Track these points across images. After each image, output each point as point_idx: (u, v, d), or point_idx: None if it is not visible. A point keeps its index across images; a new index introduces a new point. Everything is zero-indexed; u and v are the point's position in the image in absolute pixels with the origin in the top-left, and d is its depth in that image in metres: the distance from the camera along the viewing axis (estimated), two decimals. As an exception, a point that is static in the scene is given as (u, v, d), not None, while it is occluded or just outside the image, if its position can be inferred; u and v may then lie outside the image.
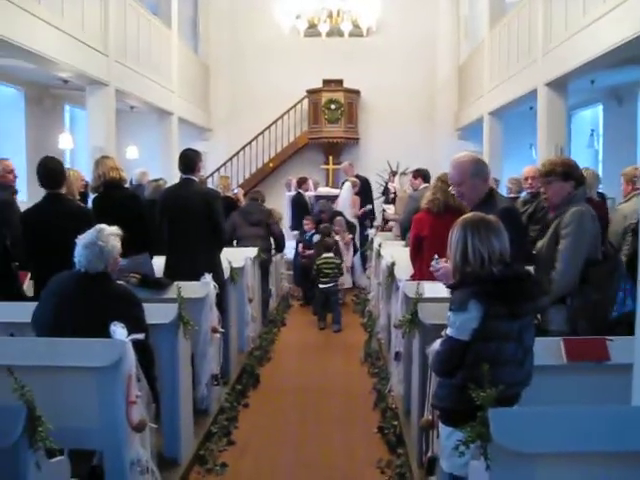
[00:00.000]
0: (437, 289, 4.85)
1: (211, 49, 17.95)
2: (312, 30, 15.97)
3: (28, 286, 5.34)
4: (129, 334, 3.40)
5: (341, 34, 15.72)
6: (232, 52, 17.83)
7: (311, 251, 10.17)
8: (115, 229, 3.79)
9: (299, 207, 11.98)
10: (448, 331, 2.95)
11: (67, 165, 15.09)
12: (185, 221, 5.80)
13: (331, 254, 9.48)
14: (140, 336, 3.46)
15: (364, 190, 12.97)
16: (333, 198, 12.86)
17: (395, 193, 13.30)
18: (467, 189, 4.07)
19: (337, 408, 5.99)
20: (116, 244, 3.75)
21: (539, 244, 4.04)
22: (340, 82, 16.98)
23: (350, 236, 10.95)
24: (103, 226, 3.75)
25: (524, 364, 2.98)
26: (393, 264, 6.35)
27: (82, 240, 3.70)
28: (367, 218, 12.85)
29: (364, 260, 11.60)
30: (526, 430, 2.34)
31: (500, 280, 2.91)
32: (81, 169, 7.45)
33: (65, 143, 13.08)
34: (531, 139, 16.60)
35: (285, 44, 17.08)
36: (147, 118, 15.46)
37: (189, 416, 4.77)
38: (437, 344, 3.35)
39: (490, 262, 2.91)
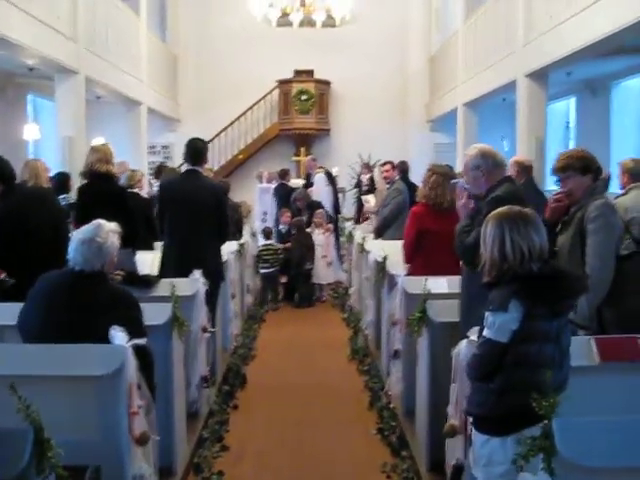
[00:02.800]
0: (440, 285, 4.70)
1: (180, 37, 17.52)
2: (284, 19, 15.66)
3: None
4: (129, 339, 3.13)
5: (313, 24, 15.44)
6: (201, 40, 17.44)
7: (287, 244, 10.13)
8: (114, 225, 3.50)
9: (283, 197, 11.74)
10: (486, 333, 2.74)
11: (30, 156, 14.68)
12: (190, 214, 5.51)
13: (271, 241, 10.28)
14: (142, 341, 3.20)
15: (330, 183, 12.75)
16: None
17: (368, 185, 13.13)
18: (469, 181, 3.92)
19: (330, 408, 5.77)
20: (115, 241, 3.45)
21: (561, 239, 3.86)
22: (311, 73, 16.79)
23: (331, 226, 10.72)
24: (102, 222, 3.45)
25: (562, 366, 2.81)
26: (385, 259, 6.15)
27: (78, 235, 3.39)
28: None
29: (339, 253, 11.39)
30: (594, 442, 2.14)
31: (539, 277, 2.72)
32: (47, 160, 7.12)
33: (30, 134, 12.58)
34: (502, 131, 16.62)
35: (256, 33, 16.76)
36: (114, 108, 15.01)
37: (183, 422, 4.52)
38: (463, 345, 3.16)
39: (530, 258, 2.72)
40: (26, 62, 9.92)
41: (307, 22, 15.72)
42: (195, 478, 4.35)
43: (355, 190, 15.21)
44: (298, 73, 16.72)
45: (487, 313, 2.73)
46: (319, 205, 10.96)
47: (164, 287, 4.58)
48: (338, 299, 10.34)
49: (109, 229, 3.46)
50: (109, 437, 3.03)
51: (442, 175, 5.26)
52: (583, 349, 3.18)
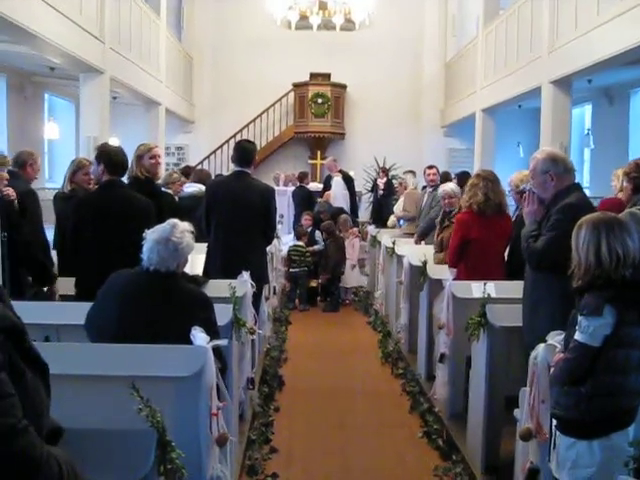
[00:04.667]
0: (488, 290, 4.69)
1: (195, 38, 17.53)
2: (303, 22, 15.67)
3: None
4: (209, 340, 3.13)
5: (332, 27, 15.45)
6: (217, 42, 17.46)
7: (317, 246, 10.12)
8: (187, 225, 3.49)
9: (302, 201, 11.75)
10: (578, 337, 2.76)
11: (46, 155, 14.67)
12: (238, 216, 5.49)
13: (301, 242, 10.24)
14: (223, 342, 3.20)
15: (348, 186, 12.78)
16: (320, 193, 12.65)
17: (384, 189, 13.16)
18: (536, 185, 3.92)
19: (371, 412, 5.78)
20: (191, 242, 3.44)
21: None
22: (328, 76, 16.77)
23: (356, 230, 10.75)
24: (177, 221, 3.44)
25: (647, 372, 2.82)
26: (425, 263, 6.15)
27: (153, 235, 3.37)
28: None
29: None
30: None
31: (633, 284, 2.75)
32: (67, 160, 7.11)
33: (50, 132, 12.58)
34: (519, 137, 16.72)
35: (272, 35, 16.80)
36: (129, 108, 15.05)
37: (237, 424, 4.51)
38: (541, 349, 3.16)
39: (624, 263, 2.74)
40: (52, 61, 9.94)
41: (325, 25, 15.74)
42: (249, 480, 4.35)
43: (370, 194, 15.26)
44: (314, 76, 16.71)
45: (580, 317, 2.75)
46: (342, 211, 10.98)
47: (218, 288, 4.57)
48: (360, 303, 10.33)
49: (184, 229, 3.45)
50: (189, 439, 3.02)
51: (490, 180, 5.29)
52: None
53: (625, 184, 4.20)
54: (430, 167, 8.51)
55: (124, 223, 4.59)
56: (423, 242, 8.01)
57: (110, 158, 4.81)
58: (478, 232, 5.25)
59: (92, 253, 4.67)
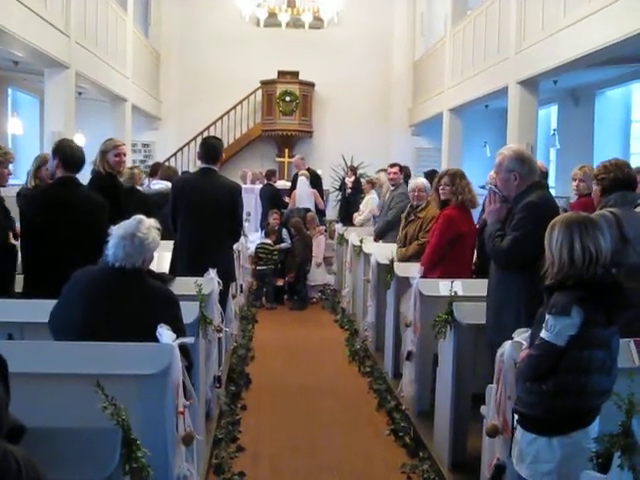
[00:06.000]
0: (455, 288, 4.72)
1: (162, 34, 17.36)
2: (272, 19, 15.63)
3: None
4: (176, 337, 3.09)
5: (300, 25, 15.44)
6: (185, 38, 17.31)
7: (284, 244, 10.15)
8: (153, 221, 3.44)
9: (270, 198, 11.71)
10: (544, 335, 2.78)
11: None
12: (205, 213, 5.44)
13: (268, 240, 10.25)
14: (190, 340, 3.17)
15: (315, 184, 12.77)
16: (288, 192, 12.63)
17: (352, 188, 13.19)
18: (499, 181, 3.95)
19: (339, 409, 5.79)
20: (157, 238, 3.40)
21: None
22: (296, 74, 16.71)
23: (322, 228, 10.74)
24: (142, 217, 3.39)
25: (611, 372, 2.87)
26: (392, 261, 6.17)
27: (119, 231, 3.32)
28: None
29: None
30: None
31: (601, 286, 2.78)
32: (30, 155, 6.98)
33: (14, 128, 12.37)
34: (485, 137, 16.86)
35: (241, 32, 16.71)
36: (95, 104, 14.85)
37: (203, 422, 4.48)
38: (508, 346, 3.19)
39: (597, 263, 2.77)
40: (15, 54, 9.75)
41: (294, 23, 15.70)
42: (216, 478, 4.32)
43: (338, 192, 15.27)
44: (282, 74, 16.64)
45: (548, 316, 2.77)
46: (308, 211, 10.96)
47: (185, 285, 4.52)
48: (327, 301, 10.33)
49: (150, 224, 3.40)
50: (155, 438, 2.98)
51: (465, 177, 5.35)
52: (622, 351, 3.22)
53: (594, 187, 4.23)
54: (392, 165, 8.48)
55: (74, 220, 4.52)
56: (381, 241, 7.97)
57: (65, 153, 4.70)
58: (466, 226, 5.29)
59: (43, 251, 4.56)
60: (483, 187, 4.97)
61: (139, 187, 7.05)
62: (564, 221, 2.88)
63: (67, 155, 4.71)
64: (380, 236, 7.95)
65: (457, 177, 5.36)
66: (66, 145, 4.84)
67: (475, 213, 5.64)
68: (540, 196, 3.81)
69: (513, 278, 3.79)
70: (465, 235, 5.22)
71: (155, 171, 8.61)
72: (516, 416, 2.98)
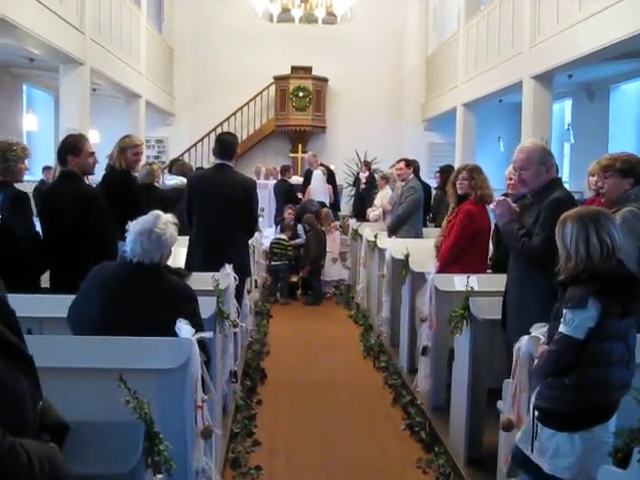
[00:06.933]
0: (471, 283, 4.71)
1: (176, 30, 17.41)
2: (285, 15, 15.63)
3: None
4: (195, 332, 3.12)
5: (314, 20, 15.43)
6: (198, 34, 17.33)
7: (299, 240, 10.12)
8: (171, 217, 3.47)
9: (284, 194, 11.73)
10: (563, 329, 2.79)
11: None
12: (220, 209, 5.45)
13: (283, 236, 10.28)
14: (209, 334, 3.19)
15: (329, 180, 12.79)
16: (302, 188, 12.65)
17: (367, 183, 13.18)
18: (530, 175, 3.92)
19: (353, 404, 5.80)
20: (174, 233, 3.42)
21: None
22: (309, 69, 16.72)
23: (337, 223, 10.77)
24: (160, 212, 3.42)
25: (629, 365, 2.86)
26: (407, 257, 6.16)
27: (137, 226, 3.34)
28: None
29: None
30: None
31: (616, 277, 2.78)
32: (45, 152, 7.03)
33: (30, 124, 12.44)
34: (499, 132, 16.79)
35: (254, 28, 16.73)
36: (109, 100, 14.90)
37: (220, 417, 4.51)
38: (525, 341, 3.19)
39: (613, 255, 2.77)
40: (32, 52, 9.82)
41: (307, 19, 15.70)
42: (233, 473, 4.34)
43: (352, 188, 15.27)
44: (295, 69, 16.66)
45: (565, 310, 2.78)
46: (323, 205, 10.98)
47: (202, 281, 4.55)
48: (342, 296, 10.35)
49: (167, 220, 3.42)
50: (174, 432, 3.00)
51: (482, 172, 5.36)
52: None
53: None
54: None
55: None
56: (394, 236, 7.95)
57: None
58: (487, 222, 5.32)
59: (47, 246, 4.77)
60: (506, 195, 4.93)
61: (155, 183, 7.08)
62: (575, 216, 2.88)
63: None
64: (393, 231, 7.93)
65: (475, 172, 5.35)
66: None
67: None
68: (565, 193, 3.83)
69: (535, 275, 3.79)
70: (484, 230, 5.23)
71: (171, 167, 8.65)
72: (536, 412, 2.98)
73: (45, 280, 4.90)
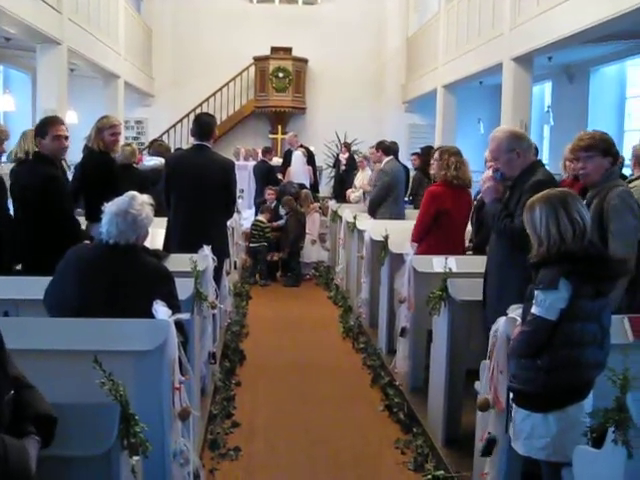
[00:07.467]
0: (449, 265, 4.73)
1: (155, 10, 17.22)
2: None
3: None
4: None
5: (294, 1, 15.32)
6: (177, 14, 17.18)
7: (280, 221, 10.16)
8: (147, 197, 3.43)
9: (264, 175, 11.69)
10: (535, 310, 2.81)
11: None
12: (198, 190, 5.41)
13: (261, 218, 10.31)
14: (186, 316, 3.17)
15: (309, 161, 12.75)
16: (281, 169, 12.61)
17: (347, 165, 13.15)
18: (502, 163, 3.94)
19: (333, 385, 5.82)
20: (150, 214, 3.39)
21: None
22: (289, 50, 16.63)
23: (317, 205, 10.76)
24: (135, 193, 3.38)
25: (603, 345, 2.89)
26: (387, 238, 6.17)
27: (112, 207, 3.31)
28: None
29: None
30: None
31: (587, 258, 2.80)
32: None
33: (7, 105, 12.27)
34: (479, 114, 16.81)
35: (234, 7, 16.63)
36: (87, 81, 14.72)
37: (198, 398, 4.50)
38: (502, 322, 3.21)
39: (584, 235, 2.79)
40: (8, 31, 9.66)
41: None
42: (211, 454, 4.35)
43: (331, 169, 15.24)
44: (275, 50, 16.55)
45: (536, 291, 2.80)
46: (303, 186, 10.96)
47: (180, 262, 4.53)
48: (321, 278, 10.36)
49: (143, 201, 3.39)
50: (152, 412, 3.00)
51: (459, 155, 5.34)
52: (617, 327, 3.25)
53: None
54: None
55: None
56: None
57: None
58: (451, 204, 5.31)
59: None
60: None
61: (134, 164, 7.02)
62: (543, 199, 2.90)
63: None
64: (371, 214, 7.95)
65: (446, 153, 5.37)
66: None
67: (472, 191, 5.66)
68: (545, 174, 3.84)
69: (517, 258, 3.79)
70: (450, 212, 5.23)
71: (150, 148, 8.58)
72: (511, 394, 3.01)
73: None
